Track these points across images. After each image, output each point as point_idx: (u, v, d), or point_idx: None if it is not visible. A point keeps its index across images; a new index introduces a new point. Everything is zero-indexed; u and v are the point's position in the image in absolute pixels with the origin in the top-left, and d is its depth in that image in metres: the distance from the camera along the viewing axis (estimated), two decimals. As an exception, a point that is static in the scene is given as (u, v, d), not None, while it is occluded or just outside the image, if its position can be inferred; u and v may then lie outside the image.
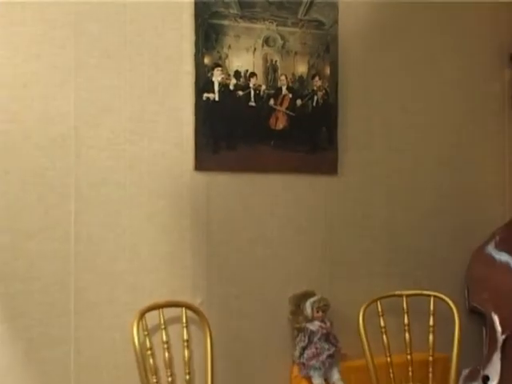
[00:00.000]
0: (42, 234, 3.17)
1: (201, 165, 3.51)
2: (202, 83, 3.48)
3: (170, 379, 3.30)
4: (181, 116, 3.48)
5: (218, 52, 3.54)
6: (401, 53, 4.19)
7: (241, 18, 3.59)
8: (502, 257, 4.12)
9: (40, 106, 3.16)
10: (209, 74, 3.50)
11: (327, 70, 3.81)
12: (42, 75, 3.17)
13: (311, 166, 3.82)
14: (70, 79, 3.22)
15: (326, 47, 3.81)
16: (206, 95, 3.49)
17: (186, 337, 3.36)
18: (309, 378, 3.61)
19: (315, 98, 3.78)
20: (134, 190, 3.39)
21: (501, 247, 4.13)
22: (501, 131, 4.47)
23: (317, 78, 3.78)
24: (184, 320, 3.35)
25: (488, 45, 4.50)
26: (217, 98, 3.51)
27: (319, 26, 3.79)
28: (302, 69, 3.75)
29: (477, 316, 4.14)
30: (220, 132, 3.56)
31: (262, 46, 3.64)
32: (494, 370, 3.89)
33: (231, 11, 3.57)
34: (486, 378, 3.89)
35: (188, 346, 3.37)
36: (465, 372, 3.95)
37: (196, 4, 3.48)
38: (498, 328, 3.97)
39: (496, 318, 3.99)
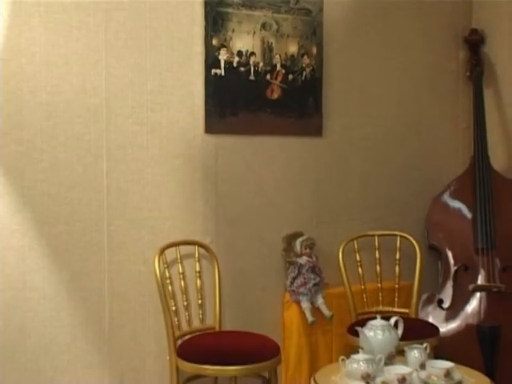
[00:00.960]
0: (80, 186, 3.35)
1: (210, 129, 3.70)
2: (211, 61, 3.67)
3: (185, 303, 3.52)
4: (193, 89, 3.66)
5: (224, 35, 3.71)
6: (375, 36, 4.33)
7: (242, 6, 3.76)
8: (455, 204, 4.34)
9: (78, 81, 3.32)
10: (216, 53, 3.68)
11: (314, 50, 4.01)
12: (79, 55, 3.31)
13: (300, 129, 4.02)
14: (101, 58, 3.38)
15: (313, 31, 4.00)
16: (213, 71, 3.68)
17: (198, 269, 3.57)
18: (298, 302, 3.86)
19: (304, 73, 3.98)
20: (154, 150, 3.57)
21: (454, 196, 4.35)
22: (456, 101, 4.68)
23: (305, 57, 3.98)
24: (196, 255, 3.57)
25: (447, 30, 4.66)
26: (223, 74, 3.70)
27: (307, 13, 3.96)
28: (293, 49, 3.93)
29: (434, 252, 4.35)
30: (225, 101, 3.75)
31: (260, 30, 3.82)
32: (447, 295, 4.13)
33: (235, 0, 3.74)
34: (441, 301, 4.12)
35: (200, 277, 3.58)
36: (424, 296, 4.16)
37: None
38: (451, 261, 4.21)
39: (449, 254, 4.23)
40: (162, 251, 3.43)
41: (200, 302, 3.60)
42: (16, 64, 3.19)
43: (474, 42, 4.58)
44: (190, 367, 3.21)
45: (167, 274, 3.45)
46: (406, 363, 3.01)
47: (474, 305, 4.12)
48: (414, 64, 4.50)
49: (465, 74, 4.64)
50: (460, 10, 4.69)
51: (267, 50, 3.88)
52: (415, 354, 3.02)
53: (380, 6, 4.33)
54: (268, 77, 3.88)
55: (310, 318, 3.84)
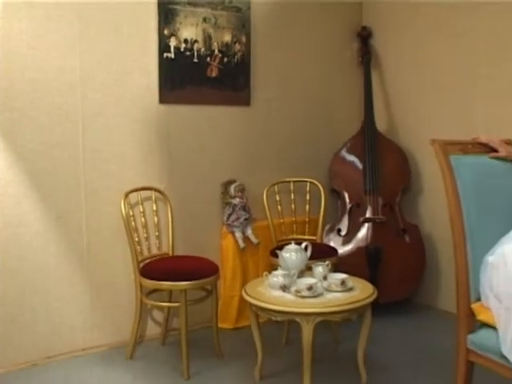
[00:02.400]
0: (61, 145, 3.52)
1: (163, 100, 3.88)
2: (163, 47, 3.82)
3: (145, 235, 3.75)
4: (149, 68, 3.83)
5: (173, 26, 3.85)
6: (291, 29, 4.52)
7: (188, 4, 3.91)
8: (350, 157, 4.60)
9: (57, 62, 3.47)
10: (167, 41, 3.83)
11: (244, 39, 4.19)
12: (58, 42, 3.46)
13: (234, 100, 4.22)
14: (76, 45, 3.52)
15: (243, 24, 4.17)
16: (165, 54, 3.84)
17: (154, 208, 3.79)
18: (232, 233, 4.10)
19: (236, 57, 4.17)
20: (119, 117, 3.73)
21: (350, 151, 4.61)
22: (351, 80, 4.90)
23: (237, 44, 4.17)
24: (153, 198, 3.79)
25: (344, 27, 4.89)
26: (173, 57, 3.87)
27: (238, 11, 4.14)
28: (227, 38, 4.11)
29: (335, 193, 4.63)
30: (175, 78, 3.91)
31: (202, 23, 3.98)
32: (344, 225, 4.42)
33: (182, 0, 3.88)
34: (339, 230, 4.41)
35: (156, 215, 3.80)
36: (327, 227, 4.43)
37: None
38: (347, 200, 4.51)
39: (346, 195, 4.52)
40: (127, 195, 3.61)
41: (157, 234, 3.81)
42: (8, 48, 3.31)
43: (364, 36, 4.86)
44: (150, 283, 3.42)
45: (131, 213, 3.62)
46: (313, 276, 3.24)
47: (363, 232, 4.38)
48: (320, 51, 4.73)
49: (358, 60, 4.89)
50: (353, 11, 4.94)
51: (207, 38, 4.02)
52: (320, 269, 3.26)
53: (295, 8, 4.53)
54: (208, 59, 4.04)
55: (241, 244, 4.08)
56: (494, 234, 2.40)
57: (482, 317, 2.32)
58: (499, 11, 3.93)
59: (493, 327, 2.25)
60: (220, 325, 3.84)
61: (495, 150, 2.59)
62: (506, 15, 3.89)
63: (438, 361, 3.44)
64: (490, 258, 2.30)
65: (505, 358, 2.11)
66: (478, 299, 2.37)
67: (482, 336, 2.34)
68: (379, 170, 4.47)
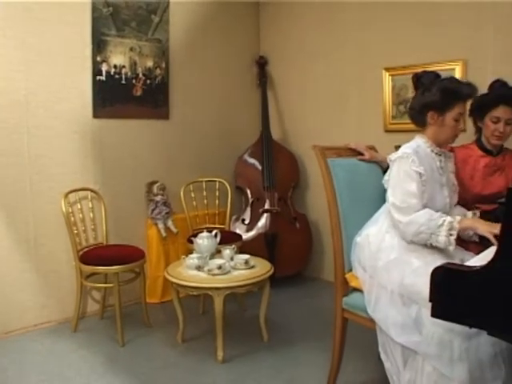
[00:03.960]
0: (9, 153, 3.50)
1: (96, 115, 3.89)
2: (96, 71, 3.85)
3: (83, 228, 3.78)
4: (84, 89, 3.84)
5: (105, 54, 3.87)
6: (202, 57, 4.60)
7: (117, 36, 3.92)
8: (251, 160, 4.70)
9: (4, 83, 3.44)
10: (100, 66, 3.86)
11: (163, 65, 4.24)
12: (5, 66, 3.42)
13: (155, 115, 4.26)
14: (21, 68, 3.48)
15: (162, 52, 4.22)
16: (98, 77, 3.86)
17: (90, 206, 3.83)
18: (156, 225, 4.15)
19: (157, 79, 4.22)
20: (59, 129, 3.72)
21: (251, 156, 4.72)
22: (252, 98, 5.06)
23: (158, 69, 4.22)
24: (89, 197, 3.83)
25: (246, 55, 5.03)
26: (104, 79, 3.90)
27: (159, 42, 4.19)
28: (150, 64, 4.15)
29: (239, 190, 4.73)
30: (106, 97, 3.92)
31: (129, 51, 4.01)
32: (247, 216, 4.53)
33: (112, 33, 3.90)
34: (243, 220, 4.52)
35: (92, 211, 3.84)
36: (233, 217, 4.54)
37: (92, 27, 3.77)
38: (249, 195, 4.61)
39: (248, 191, 4.63)
40: (67, 195, 3.63)
41: (93, 227, 3.86)
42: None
43: (261, 64, 5.00)
44: (88, 268, 3.47)
45: (70, 210, 3.65)
46: (222, 257, 3.36)
47: (262, 221, 4.52)
48: (226, 75, 4.85)
49: (256, 82, 5.07)
50: (253, 43, 5.09)
51: (133, 64, 4.05)
52: (227, 251, 3.40)
53: (205, 40, 4.63)
54: (134, 81, 4.07)
55: (163, 234, 4.14)
56: (361, 220, 2.59)
57: (353, 284, 2.52)
58: (359, 48, 4.35)
59: (361, 291, 2.44)
60: (148, 300, 3.94)
61: (362, 154, 2.80)
62: (366, 46, 4.31)
63: (323, 319, 3.65)
64: (358, 239, 2.52)
65: (369, 314, 2.35)
66: (350, 270, 2.57)
67: (353, 298, 2.54)
68: (275, 171, 4.61)
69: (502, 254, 1.51)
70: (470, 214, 2.56)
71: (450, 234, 2.20)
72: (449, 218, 2.23)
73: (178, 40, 4.40)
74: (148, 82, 4.17)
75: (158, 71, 4.22)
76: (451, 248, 2.22)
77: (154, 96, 4.23)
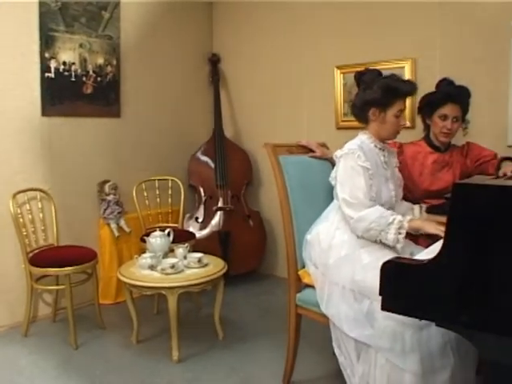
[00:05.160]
0: None
1: (45, 113, 3.83)
2: (44, 68, 3.77)
3: (33, 229, 3.71)
4: (33, 86, 3.77)
5: (53, 50, 3.80)
6: (155, 53, 4.57)
7: (66, 32, 3.86)
8: (204, 158, 4.73)
9: None
10: (48, 63, 3.79)
11: (114, 62, 4.21)
12: None
13: (106, 113, 4.22)
14: None
15: (113, 49, 4.19)
16: (46, 74, 3.79)
17: (40, 206, 3.76)
18: (108, 224, 4.12)
19: (108, 77, 4.18)
20: (6, 129, 3.65)
21: (204, 154, 4.75)
22: (205, 96, 5.04)
23: (109, 66, 4.18)
24: (39, 198, 3.76)
25: (199, 53, 5.02)
26: (53, 76, 3.83)
27: (110, 38, 4.15)
28: (100, 61, 4.11)
29: (192, 188, 4.72)
30: (55, 94, 3.86)
31: (79, 48, 3.96)
32: (200, 214, 4.56)
33: (61, 28, 3.83)
34: (197, 218, 4.54)
35: (42, 212, 3.77)
36: (187, 216, 4.56)
37: (40, 22, 3.69)
38: (202, 193, 4.63)
39: (201, 189, 4.64)
40: (14, 196, 3.55)
41: (43, 228, 3.79)
42: None
43: (214, 61, 5.03)
44: (38, 271, 3.41)
45: (19, 211, 3.57)
46: (175, 256, 3.37)
47: (216, 219, 4.54)
48: (179, 73, 4.84)
49: (209, 80, 5.07)
50: (206, 40, 5.11)
51: (83, 61, 4.00)
52: (181, 250, 3.40)
53: (158, 36, 4.61)
54: (84, 79, 4.02)
55: (116, 233, 4.13)
56: (313, 216, 2.63)
57: (306, 280, 2.57)
58: (312, 47, 4.41)
59: (313, 287, 2.49)
60: (102, 301, 3.90)
61: (313, 151, 2.86)
62: (321, 47, 4.38)
63: (277, 315, 3.69)
64: (309, 237, 2.58)
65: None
66: (303, 267, 2.62)
67: (306, 295, 2.59)
68: (227, 169, 4.65)
69: (448, 247, 1.59)
70: (416, 208, 2.67)
71: (399, 233, 2.30)
72: (399, 217, 2.32)
73: (130, 37, 4.38)
74: (99, 79, 4.13)
75: (108, 68, 4.19)
76: (399, 246, 2.32)
77: (105, 94, 4.19)
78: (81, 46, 3.99)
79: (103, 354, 3.26)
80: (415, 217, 2.62)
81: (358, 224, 2.36)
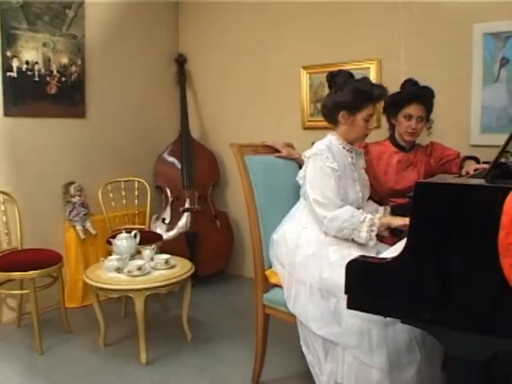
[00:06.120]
0: None
1: (7, 113, 3.75)
2: (6, 67, 3.70)
3: None
4: None
5: (15, 49, 3.72)
6: (120, 53, 4.54)
7: (28, 30, 3.78)
8: (171, 159, 4.71)
9: None
10: (10, 62, 3.71)
11: (79, 62, 4.15)
12: None
13: (71, 113, 4.16)
14: None
15: (78, 49, 4.13)
16: (8, 74, 3.71)
17: (3, 209, 3.70)
18: (74, 227, 4.05)
19: (72, 77, 4.12)
20: None
21: (170, 154, 4.73)
22: (171, 96, 5.03)
23: (73, 66, 4.12)
24: (1, 200, 3.69)
25: (165, 53, 5.02)
26: (15, 76, 3.75)
27: (74, 37, 4.09)
28: (65, 61, 4.05)
29: (159, 189, 4.70)
30: (18, 94, 3.79)
31: (42, 47, 3.88)
32: (167, 215, 4.52)
33: (23, 26, 3.76)
34: (164, 219, 4.50)
35: (5, 214, 3.70)
36: (154, 217, 4.53)
37: (1, 20, 3.61)
38: (169, 194, 4.61)
39: (168, 190, 4.62)
40: None
41: (6, 231, 3.71)
42: None
43: (181, 61, 5.01)
44: (1, 275, 3.32)
45: None
46: (142, 258, 3.37)
47: (183, 220, 4.53)
48: (145, 73, 4.82)
49: (176, 80, 5.03)
50: (172, 41, 5.09)
51: (47, 60, 3.93)
52: (147, 252, 3.39)
53: (124, 36, 4.57)
54: (48, 78, 3.94)
55: (82, 236, 4.07)
56: (280, 216, 2.65)
57: (273, 280, 2.59)
58: (278, 47, 4.47)
59: (281, 287, 2.52)
60: (68, 305, 3.88)
61: (279, 151, 2.90)
62: (287, 54, 4.43)
63: (246, 316, 3.69)
64: (275, 236, 2.61)
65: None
66: (270, 267, 2.64)
67: (273, 294, 2.62)
68: (194, 169, 4.65)
69: (411, 245, 1.64)
70: (381, 209, 2.73)
71: (371, 230, 2.35)
72: (370, 215, 2.38)
73: (95, 37, 4.33)
74: (63, 79, 4.07)
75: (73, 68, 4.14)
76: (371, 243, 2.37)
77: (70, 94, 4.14)
78: (44, 44, 3.92)
79: (70, 359, 3.23)
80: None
81: (331, 224, 2.41)
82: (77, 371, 3.07)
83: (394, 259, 1.67)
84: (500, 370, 2.18)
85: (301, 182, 2.60)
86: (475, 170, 2.69)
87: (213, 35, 4.94)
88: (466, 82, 3.57)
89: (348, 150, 2.63)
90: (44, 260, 3.43)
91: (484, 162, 2.85)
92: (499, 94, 3.48)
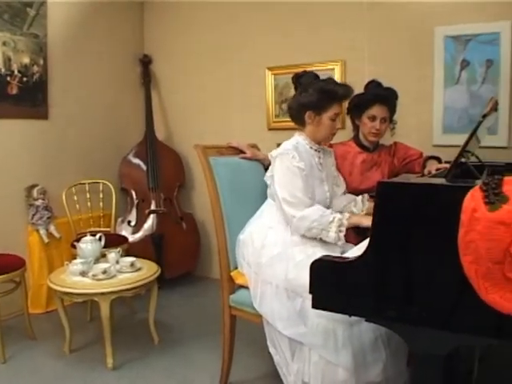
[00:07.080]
0: None
1: None
2: None
3: None
4: None
5: None
6: (84, 54, 4.49)
7: None
8: (136, 161, 4.70)
9: None
10: None
11: (41, 62, 4.07)
12: None
13: (33, 115, 4.09)
14: None
15: (40, 48, 4.05)
16: None
17: None
18: (37, 231, 4.00)
19: (34, 77, 4.05)
20: None
21: (135, 156, 4.71)
22: (136, 97, 5.00)
23: (35, 66, 4.03)
24: None
25: (131, 54, 4.98)
26: None
27: (36, 37, 4.01)
28: (26, 60, 3.97)
29: (124, 192, 4.69)
30: None
31: (2, 45, 3.79)
32: (133, 217, 4.53)
33: None
34: (129, 222, 4.51)
35: None
36: (119, 220, 4.50)
37: None
38: (135, 197, 4.60)
39: (133, 192, 4.61)
40: None
41: None
42: None
43: (146, 62, 5.00)
44: None
45: None
46: (107, 261, 3.34)
47: (149, 222, 4.53)
48: (110, 74, 4.79)
49: (140, 81, 5.02)
50: (137, 41, 5.08)
51: (7, 60, 3.85)
52: (113, 255, 3.38)
53: (88, 36, 4.52)
54: (8, 78, 3.87)
55: (46, 239, 4.02)
56: (245, 217, 2.67)
57: (239, 281, 2.61)
58: (243, 48, 4.49)
59: (246, 288, 2.54)
60: (32, 311, 3.81)
61: (244, 152, 2.91)
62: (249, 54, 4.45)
63: (213, 318, 3.58)
64: (242, 237, 2.62)
65: (256, 309, 2.46)
66: (236, 268, 2.65)
67: (239, 295, 2.63)
68: (159, 171, 4.66)
69: (373, 245, 1.66)
70: (359, 199, 2.77)
71: (340, 231, 2.37)
72: (338, 215, 2.40)
73: (58, 36, 4.27)
74: (24, 79, 4.00)
75: (35, 68, 4.06)
76: (340, 243, 2.40)
77: (32, 95, 4.07)
78: (4, 43, 3.83)
79: (34, 367, 3.17)
80: (359, 207, 2.75)
81: (300, 223, 2.42)
82: (41, 378, 3.02)
83: (358, 259, 1.69)
84: (462, 365, 2.23)
85: (268, 182, 2.62)
86: (437, 169, 2.77)
87: (178, 35, 4.93)
88: (428, 83, 3.66)
89: (316, 150, 2.66)
90: (6, 265, 3.34)
91: (446, 162, 2.91)
92: (460, 96, 3.58)
